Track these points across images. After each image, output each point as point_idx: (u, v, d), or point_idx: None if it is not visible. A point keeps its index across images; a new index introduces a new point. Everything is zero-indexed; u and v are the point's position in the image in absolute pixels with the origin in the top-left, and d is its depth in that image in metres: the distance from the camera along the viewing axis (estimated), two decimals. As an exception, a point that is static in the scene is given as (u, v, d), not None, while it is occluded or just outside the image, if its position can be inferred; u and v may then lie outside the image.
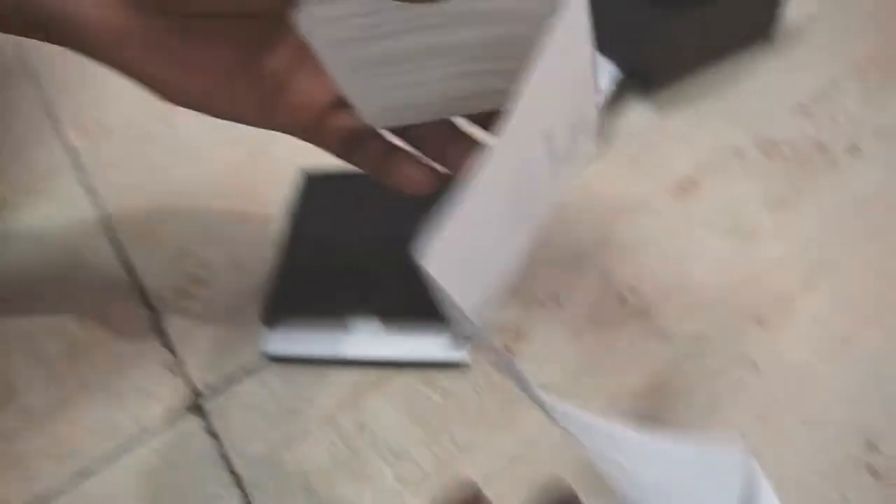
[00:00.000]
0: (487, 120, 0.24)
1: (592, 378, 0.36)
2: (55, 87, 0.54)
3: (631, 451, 0.19)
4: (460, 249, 0.19)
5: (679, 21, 0.44)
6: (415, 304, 0.37)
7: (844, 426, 0.33)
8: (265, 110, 0.25)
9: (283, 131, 0.26)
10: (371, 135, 0.26)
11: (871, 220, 0.40)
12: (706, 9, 0.45)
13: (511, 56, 0.20)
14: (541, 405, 0.19)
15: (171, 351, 0.39)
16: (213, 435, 0.36)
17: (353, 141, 0.26)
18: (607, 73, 0.46)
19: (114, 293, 0.42)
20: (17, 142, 0.51)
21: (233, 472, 0.34)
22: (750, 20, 0.49)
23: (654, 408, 0.35)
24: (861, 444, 0.33)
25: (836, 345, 0.36)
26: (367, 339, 0.38)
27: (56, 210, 0.47)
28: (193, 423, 0.36)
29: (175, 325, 0.40)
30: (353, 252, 0.40)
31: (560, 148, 0.22)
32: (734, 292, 0.38)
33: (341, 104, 0.25)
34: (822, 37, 0.51)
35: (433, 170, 0.26)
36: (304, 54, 0.23)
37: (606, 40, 0.46)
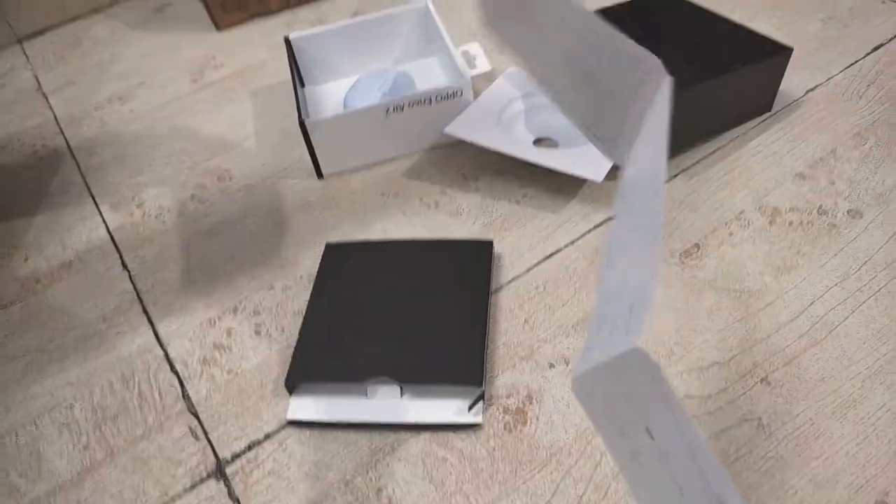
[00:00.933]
0: None
1: (601, 438, 0.36)
2: (96, 172, 0.58)
3: None
4: None
5: (684, 97, 0.47)
6: (431, 367, 0.39)
7: (853, 484, 0.33)
8: None
9: None
10: None
11: (873, 282, 0.41)
12: (710, 86, 0.47)
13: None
14: None
15: (196, 416, 0.41)
16: (235, 500, 0.37)
17: None
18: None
19: (142, 361, 0.44)
20: (58, 220, 0.54)
21: (253, 535, 0.35)
22: (752, 95, 0.52)
23: (665, 468, 0.35)
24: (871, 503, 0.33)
25: (843, 403, 0.36)
26: (385, 404, 0.39)
27: (90, 283, 0.49)
28: (216, 489, 0.37)
29: (199, 392, 0.42)
30: (372, 319, 0.42)
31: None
32: (741, 353, 0.39)
33: None
34: (822, 107, 0.53)
35: None
36: None
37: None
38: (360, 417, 0.39)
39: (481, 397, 0.38)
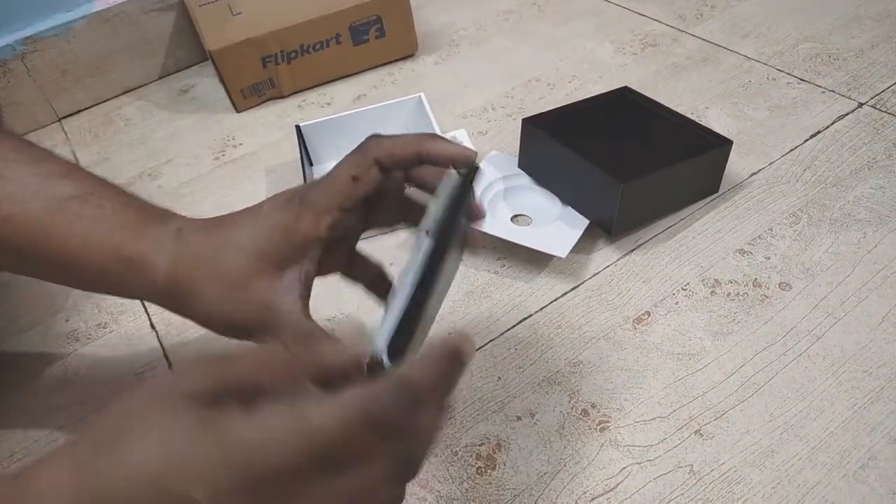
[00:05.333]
0: None
1: (559, 482, 0.43)
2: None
3: None
4: None
5: (642, 184, 0.54)
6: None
7: (768, 522, 0.40)
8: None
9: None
10: None
11: (796, 347, 0.48)
12: (663, 174, 0.55)
13: None
14: None
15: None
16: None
17: None
18: (578, 222, 0.56)
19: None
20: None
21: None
22: (700, 180, 0.59)
23: (609, 507, 0.41)
24: (782, 538, 0.39)
25: (762, 453, 0.43)
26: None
27: (122, 342, 0.57)
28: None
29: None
30: None
31: None
32: (680, 408, 0.46)
33: None
34: (763, 189, 0.61)
35: None
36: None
37: (577, 197, 0.57)
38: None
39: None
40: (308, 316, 0.36)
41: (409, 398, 0.24)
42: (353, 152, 0.37)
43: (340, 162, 0.37)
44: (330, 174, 0.37)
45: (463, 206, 0.34)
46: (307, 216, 0.36)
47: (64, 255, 0.37)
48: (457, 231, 0.33)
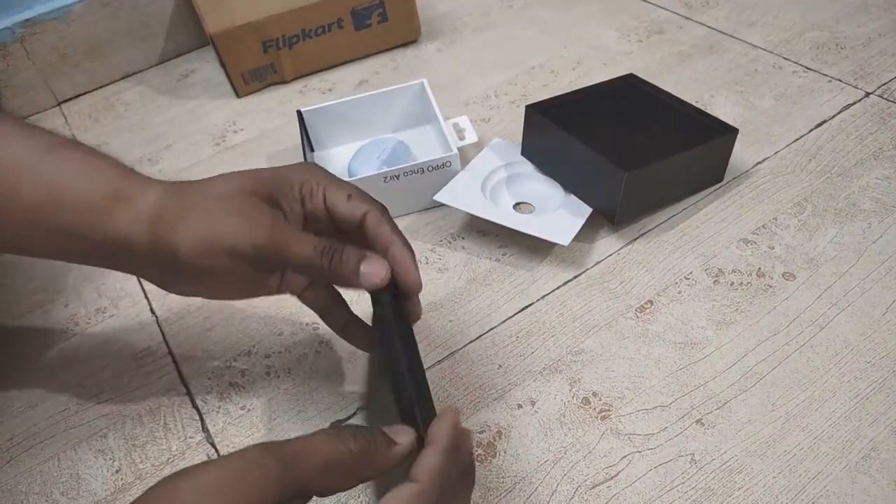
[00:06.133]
0: None
1: (560, 470, 0.43)
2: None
3: None
4: None
5: (647, 172, 0.54)
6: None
7: (769, 512, 0.40)
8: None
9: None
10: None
11: (799, 337, 0.48)
12: (668, 163, 0.55)
13: None
14: None
15: (213, 446, 0.47)
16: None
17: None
18: (581, 210, 0.56)
19: (167, 397, 0.50)
20: (93, 270, 0.61)
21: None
22: (705, 169, 0.59)
23: (610, 494, 0.41)
24: (783, 528, 0.39)
25: (764, 442, 0.43)
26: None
27: (121, 326, 0.56)
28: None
29: (217, 425, 0.48)
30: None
31: None
32: (681, 397, 0.46)
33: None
34: (768, 179, 0.60)
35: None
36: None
37: (580, 185, 0.56)
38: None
39: None
40: (314, 240, 0.36)
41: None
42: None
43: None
44: None
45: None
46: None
47: (53, 190, 0.36)
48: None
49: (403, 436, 0.33)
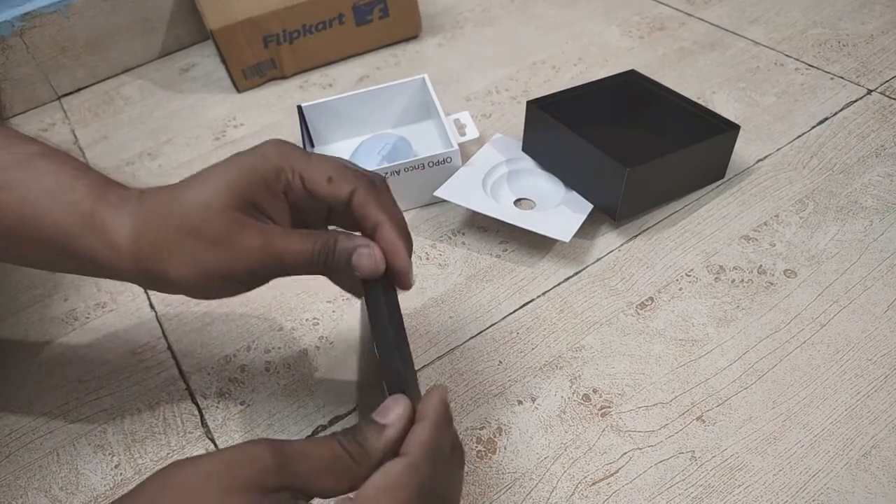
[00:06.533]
0: None
1: (560, 466, 0.43)
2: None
3: None
4: None
5: (648, 168, 0.53)
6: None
7: (769, 509, 0.40)
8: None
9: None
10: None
11: (800, 334, 0.48)
12: (669, 159, 0.54)
13: None
14: None
15: (213, 442, 0.47)
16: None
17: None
18: (582, 207, 0.56)
19: (167, 392, 0.50)
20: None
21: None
22: (706, 165, 0.59)
23: (610, 491, 0.41)
24: (783, 525, 0.39)
25: (764, 440, 0.42)
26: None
27: (120, 322, 0.56)
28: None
29: (216, 420, 0.48)
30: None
31: None
32: (682, 394, 0.45)
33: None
34: (770, 176, 0.60)
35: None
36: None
37: (581, 181, 0.56)
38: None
39: None
40: (306, 241, 0.35)
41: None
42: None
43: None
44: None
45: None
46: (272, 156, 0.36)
47: (27, 208, 0.35)
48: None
49: (392, 412, 0.32)
